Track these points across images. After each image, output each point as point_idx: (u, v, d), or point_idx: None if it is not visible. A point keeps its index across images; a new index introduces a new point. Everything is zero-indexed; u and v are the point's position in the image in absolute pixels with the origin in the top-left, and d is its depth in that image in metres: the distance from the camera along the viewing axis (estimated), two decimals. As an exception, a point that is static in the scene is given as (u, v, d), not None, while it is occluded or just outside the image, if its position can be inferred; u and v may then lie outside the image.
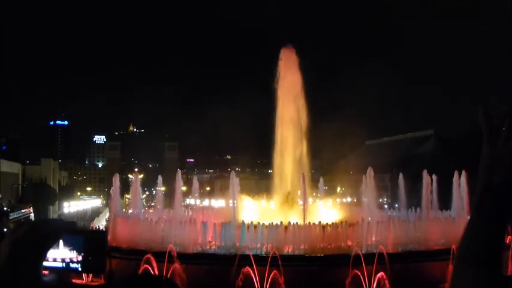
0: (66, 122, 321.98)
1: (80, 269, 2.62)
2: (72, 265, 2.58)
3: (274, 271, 26.05)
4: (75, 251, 2.55)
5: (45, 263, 2.23)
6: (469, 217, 1.98)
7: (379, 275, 26.15)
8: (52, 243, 2.23)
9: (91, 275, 25.83)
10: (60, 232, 2.28)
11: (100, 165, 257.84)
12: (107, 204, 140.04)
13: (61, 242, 2.49)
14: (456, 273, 1.93)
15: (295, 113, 48.87)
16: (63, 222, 2.31)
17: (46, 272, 2.35)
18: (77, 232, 2.57)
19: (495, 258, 1.89)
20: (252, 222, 32.78)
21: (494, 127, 1.97)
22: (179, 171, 43.44)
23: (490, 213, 1.92)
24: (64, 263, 2.58)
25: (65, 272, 2.68)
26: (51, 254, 2.48)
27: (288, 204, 43.47)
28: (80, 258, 2.57)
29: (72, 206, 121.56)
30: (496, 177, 1.93)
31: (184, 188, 56.90)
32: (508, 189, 1.92)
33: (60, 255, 2.56)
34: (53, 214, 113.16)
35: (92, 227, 47.66)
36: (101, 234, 2.81)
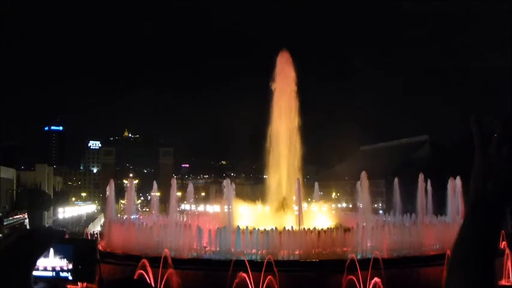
0: (61, 128, 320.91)
1: (70, 277, 2.60)
2: (62, 274, 2.56)
3: (269, 276, 25.97)
4: (65, 260, 2.53)
5: (35, 272, 2.20)
6: (461, 222, 1.99)
7: (374, 280, 26.11)
8: (42, 251, 2.21)
9: (85, 283, 25.69)
10: (50, 241, 2.26)
11: (95, 170, 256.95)
12: (101, 210, 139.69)
13: (51, 250, 2.47)
14: (450, 277, 1.93)
15: (291, 119, 48.84)
16: (53, 231, 2.29)
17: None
18: (67, 241, 2.55)
19: (488, 264, 1.89)
20: (247, 228, 32.73)
21: (486, 134, 1.98)
22: (174, 177, 43.43)
23: (483, 219, 1.93)
24: (54, 272, 2.56)
25: (58, 281, 2.65)
26: (42, 262, 2.46)
27: (283, 209, 43.42)
28: (70, 266, 2.54)
29: (67, 212, 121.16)
30: (489, 184, 1.94)
31: (179, 194, 56.77)
32: (501, 196, 1.93)
33: (50, 263, 2.53)
34: (47, 220, 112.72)
35: (87, 233, 47.56)
36: (91, 243, 2.81)
